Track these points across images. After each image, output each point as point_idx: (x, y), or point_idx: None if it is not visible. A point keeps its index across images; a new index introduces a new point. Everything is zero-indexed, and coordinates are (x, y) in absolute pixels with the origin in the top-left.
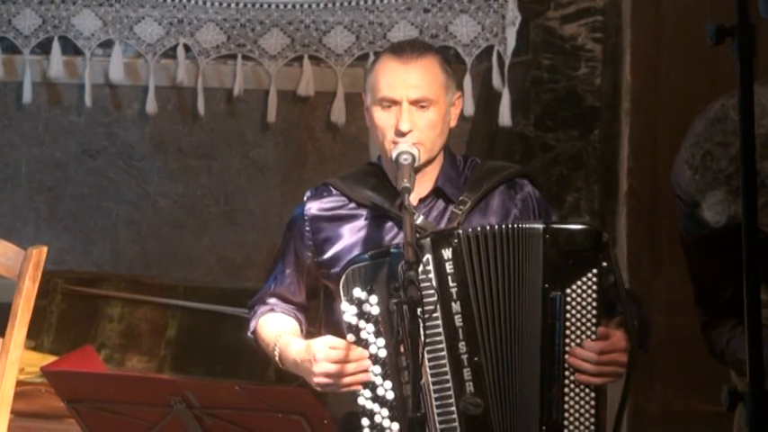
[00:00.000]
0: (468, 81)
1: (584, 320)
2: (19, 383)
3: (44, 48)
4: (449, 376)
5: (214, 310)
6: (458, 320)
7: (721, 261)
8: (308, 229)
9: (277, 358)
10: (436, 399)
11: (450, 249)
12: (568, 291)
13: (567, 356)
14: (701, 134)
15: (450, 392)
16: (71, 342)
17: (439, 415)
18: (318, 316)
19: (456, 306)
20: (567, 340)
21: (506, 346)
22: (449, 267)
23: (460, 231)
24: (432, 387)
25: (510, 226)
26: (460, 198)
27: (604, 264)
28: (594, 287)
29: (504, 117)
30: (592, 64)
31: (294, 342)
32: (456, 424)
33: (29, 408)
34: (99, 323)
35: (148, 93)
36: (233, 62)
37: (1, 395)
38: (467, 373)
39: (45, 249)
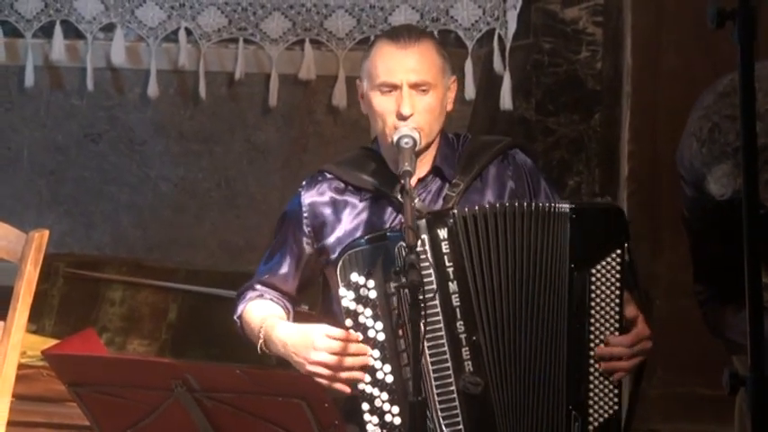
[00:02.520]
0: (469, 65)
1: (608, 300)
2: (20, 367)
3: (46, 31)
4: (447, 356)
5: (215, 294)
6: (455, 300)
7: (722, 241)
8: (305, 216)
9: (262, 341)
10: (435, 379)
11: (446, 229)
12: (593, 271)
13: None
14: (709, 107)
15: (450, 372)
16: (72, 325)
17: (438, 395)
18: (317, 303)
19: (453, 286)
20: (593, 320)
21: (512, 324)
22: (445, 247)
23: (455, 211)
24: (431, 368)
25: (538, 205)
26: (453, 181)
27: (626, 244)
28: (618, 267)
29: (505, 101)
30: (593, 48)
31: (282, 324)
32: (456, 403)
33: (30, 391)
34: (100, 306)
35: (150, 76)
36: (234, 46)
37: (2, 379)
38: (465, 353)
39: (46, 233)
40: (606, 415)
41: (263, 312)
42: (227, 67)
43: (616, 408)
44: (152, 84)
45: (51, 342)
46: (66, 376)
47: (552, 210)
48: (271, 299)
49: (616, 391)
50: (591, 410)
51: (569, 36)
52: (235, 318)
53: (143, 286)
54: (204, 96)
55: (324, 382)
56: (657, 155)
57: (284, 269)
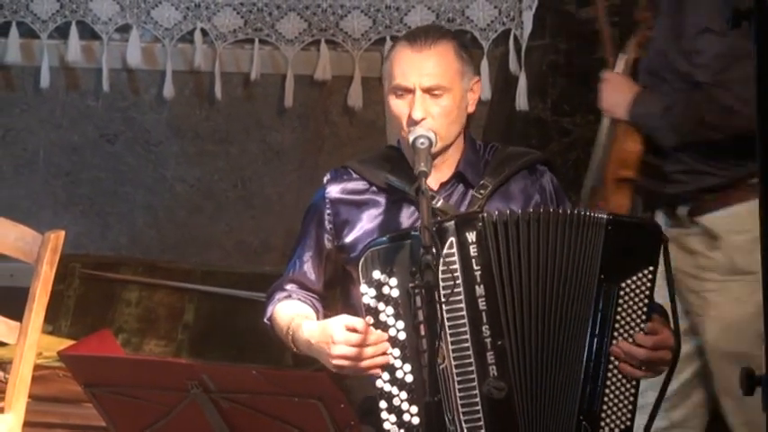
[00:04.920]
0: (484, 65)
1: (633, 316)
2: (36, 368)
3: (62, 32)
4: (472, 360)
5: (231, 295)
6: (481, 304)
7: None
8: (328, 212)
9: (291, 341)
10: (459, 382)
11: (475, 233)
12: (623, 285)
13: (613, 348)
14: None
15: (474, 376)
16: (88, 326)
17: (461, 398)
18: (336, 302)
19: (480, 289)
20: (616, 333)
21: (538, 331)
22: (473, 250)
23: (485, 215)
24: (454, 370)
25: (574, 212)
26: (481, 182)
27: (660, 261)
28: (648, 284)
29: (521, 101)
30: None
31: (306, 323)
32: (478, 407)
33: (46, 392)
34: (116, 307)
35: (166, 77)
36: (250, 46)
37: (19, 379)
38: (490, 357)
39: (62, 234)
40: (618, 429)
41: (290, 313)
42: (242, 68)
43: (629, 423)
44: (168, 84)
45: (67, 343)
46: (82, 377)
47: (589, 218)
48: (299, 298)
49: (630, 407)
50: (602, 423)
51: (585, 36)
52: (265, 320)
53: (159, 287)
54: (220, 97)
55: (346, 372)
56: None
57: (306, 265)
